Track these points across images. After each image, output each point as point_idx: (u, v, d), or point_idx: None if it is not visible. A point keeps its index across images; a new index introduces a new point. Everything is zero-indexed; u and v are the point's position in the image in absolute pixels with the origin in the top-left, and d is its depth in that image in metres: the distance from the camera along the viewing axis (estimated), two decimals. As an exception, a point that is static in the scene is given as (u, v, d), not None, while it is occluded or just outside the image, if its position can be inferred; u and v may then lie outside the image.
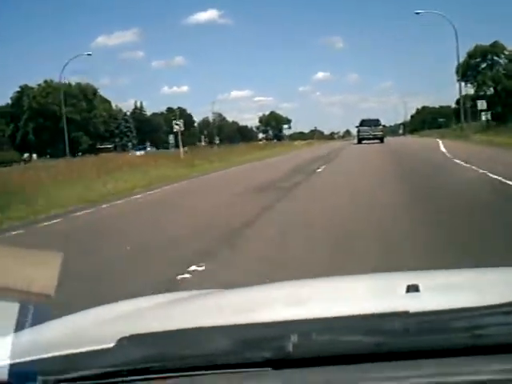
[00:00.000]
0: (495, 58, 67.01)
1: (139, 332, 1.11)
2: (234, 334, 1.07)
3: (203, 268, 5.60)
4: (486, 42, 67.06)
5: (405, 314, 1.07)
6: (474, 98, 59.83)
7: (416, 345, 1.00)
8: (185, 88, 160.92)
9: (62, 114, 59.07)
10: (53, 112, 74.92)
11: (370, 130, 43.23)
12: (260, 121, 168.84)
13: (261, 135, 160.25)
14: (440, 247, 5.91)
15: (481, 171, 13.51)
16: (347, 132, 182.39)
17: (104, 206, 12.86)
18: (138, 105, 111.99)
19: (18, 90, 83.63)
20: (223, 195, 13.07)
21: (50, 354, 1.10)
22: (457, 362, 0.98)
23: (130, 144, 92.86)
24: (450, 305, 1.15)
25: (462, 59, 58.42)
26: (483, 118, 52.17)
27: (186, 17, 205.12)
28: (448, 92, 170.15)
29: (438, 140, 38.39)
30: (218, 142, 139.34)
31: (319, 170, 18.70)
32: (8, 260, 1.50)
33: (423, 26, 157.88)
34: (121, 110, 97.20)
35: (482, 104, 49.59)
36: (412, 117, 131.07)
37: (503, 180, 11.36)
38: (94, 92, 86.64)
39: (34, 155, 72.13)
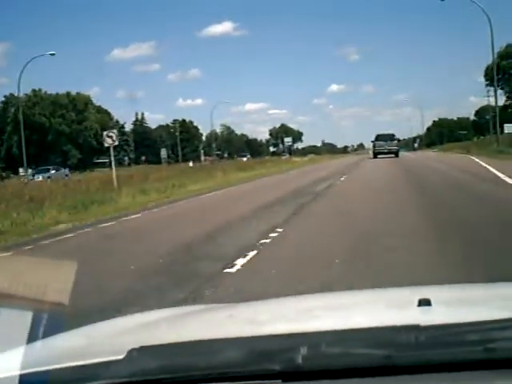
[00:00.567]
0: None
1: (150, 344, 1.10)
2: (245, 346, 1.05)
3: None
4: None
5: (416, 328, 1.04)
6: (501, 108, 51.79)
7: (427, 358, 0.97)
8: (199, 101, 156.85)
9: (50, 125, 52.09)
10: (40, 124, 68.51)
11: (386, 145, 42.71)
12: (270, 134, 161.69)
13: (272, 148, 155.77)
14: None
15: None
16: (361, 145, 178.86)
17: None
18: (140, 116, 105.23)
19: (3, 99, 77.32)
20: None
21: (60, 365, 1.09)
22: (468, 376, 0.96)
23: (126, 158, 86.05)
24: (461, 318, 1.13)
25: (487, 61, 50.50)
26: (506, 130, 44.28)
27: (201, 29, 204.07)
28: (464, 104, 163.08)
29: (473, 158, 30.65)
30: (222, 155, 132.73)
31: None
32: (23, 269, 1.42)
33: (440, 36, 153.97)
34: (117, 122, 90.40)
35: None
36: (428, 129, 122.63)
37: None
38: (86, 102, 79.85)
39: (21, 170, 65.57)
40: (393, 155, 41.34)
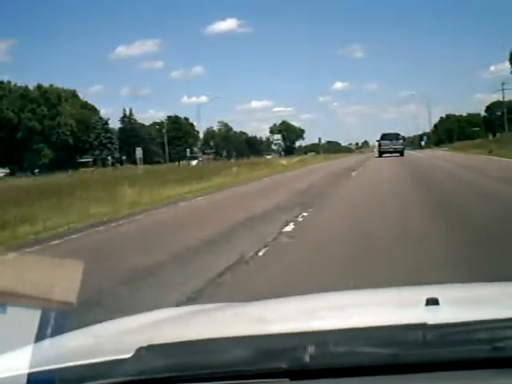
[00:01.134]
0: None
1: (157, 342, 1.10)
2: (252, 345, 1.05)
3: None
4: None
5: (423, 326, 1.03)
6: None
7: (434, 357, 0.97)
8: (204, 98, 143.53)
9: (19, 121, 44.48)
10: (8, 120, 61.03)
11: (391, 144, 42.51)
12: (271, 131, 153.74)
13: (274, 147, 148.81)
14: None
15: None
16: (365, 143, 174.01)
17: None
18: (128, 112, 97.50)
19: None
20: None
21: (68, 364, 1.09)
22: (476, 375, 0.96)
23: (109, 158, 78.45)
24: (469, 317, 1.12)
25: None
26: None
27: (206, 26, 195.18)
28: (470, 101, 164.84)
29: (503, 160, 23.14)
30: (220, 154, 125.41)
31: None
32: (31, 268, 1.54)
33: (445, 32, 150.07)
34: (101, 119, 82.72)
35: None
36: (435, 126, 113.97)
37: None
38: (59, 96, 71.90)
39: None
40: (398, 154, 40.80)
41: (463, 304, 1.52)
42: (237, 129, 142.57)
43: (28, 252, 7.41)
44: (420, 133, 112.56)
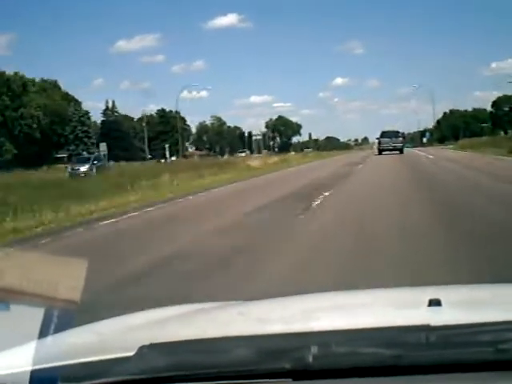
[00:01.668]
0: None
1: (160, 341, 1.10)
2: (255, 345, 1.04)
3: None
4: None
5: (426, 327, 1.02)
6: None
7: (437, 358, 0.96)
8: (204, 93, 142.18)
9: None
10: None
11: (391, 142, 41.72)
12: (267, 126, 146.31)
13: (271, 143, 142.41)
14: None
15: None
16: (365, 139, 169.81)
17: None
18: (110, 105, 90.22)
19: None
20: None
21: (71, 361, 1.08)
22: (480, 377, 0.94)
23: (85, 153, 71.19)
24: (472, 319, 1.12)
25: None
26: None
27: (206, 21, 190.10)
28: (470, 97, 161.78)
29: None
30: (214, 150, 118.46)
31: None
32: (35, 266, 1.53)
33: (445, 29, 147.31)
34: (77, 111, 75.44)
35: None
36: (438, 122, 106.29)
37: None
38: (25, 85, 64.37)
39: None
40: (397, 152, 39.87)
41: (466, 305, 1.49)
42: (236, 124, 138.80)
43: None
44: (422, 129, 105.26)
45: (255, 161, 28.08)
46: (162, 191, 15.28)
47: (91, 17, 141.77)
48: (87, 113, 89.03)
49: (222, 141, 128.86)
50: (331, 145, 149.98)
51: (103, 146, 45.46)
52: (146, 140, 75.07)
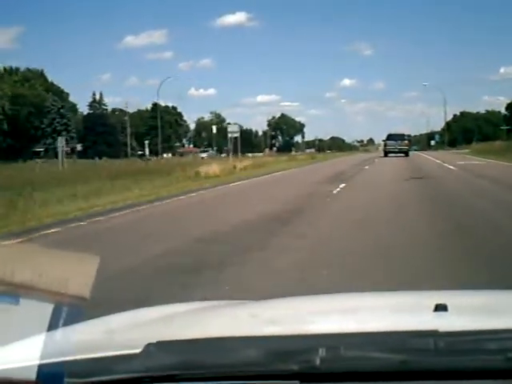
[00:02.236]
0: None
1: (167, 339, 1.08)
2: (262, 346, 1.02)
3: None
4: None
5: (434, 333, 1.00)
6: None
7: (445, 365, 0.94)
8: (211, 90, 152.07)
9: None
10: None
11: (396, 144, 41.78)
12: (269, 124, 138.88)
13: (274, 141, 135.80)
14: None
15: None
16: (370, 140, 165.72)
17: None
18: (98, 97, 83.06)
19: None
20: None
21: (78, 357, 1.07)
22: None
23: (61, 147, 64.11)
24: (480, 325, 1.11)
25: None
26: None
27: (215, 19, 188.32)
28: (478, 102, 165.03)
29: None
30: (211, 148, 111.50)
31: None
32: (44, 261, 1.51)
33: (453, 32, 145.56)
34: (56, 102, 68.38)
35: None
36: (447, 124, 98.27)
37: None
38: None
39: None
40: (403, 154, 39.95)
41: (472, 311, 1.46)
42: (243, 122, 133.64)
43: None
44: (429, 131, 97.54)
45: (215, 166, 20.66)
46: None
47: (98, 12, 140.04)
48: (74, 105, 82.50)
49: (221, 138, 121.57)
50: (336, 145, 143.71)
51: (61, 141, 38.36)
52: (129, 135, 67.79)
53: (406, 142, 42.63)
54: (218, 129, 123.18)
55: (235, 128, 34.46)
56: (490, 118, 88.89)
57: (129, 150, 64.80)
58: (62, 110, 67.46)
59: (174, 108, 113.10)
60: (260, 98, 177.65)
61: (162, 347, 1.01)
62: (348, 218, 8.61)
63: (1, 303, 1.27)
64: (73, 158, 60.51)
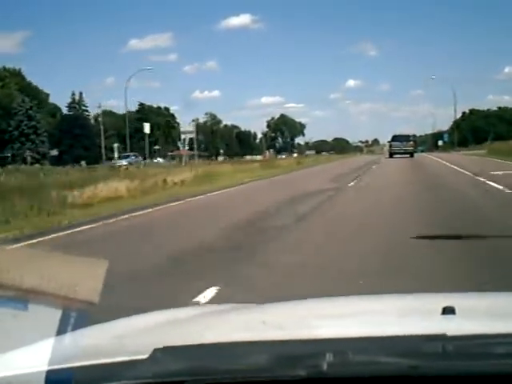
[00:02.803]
0: None
1: (174, 344, 1.07)
2: (269, 351, 1.00)
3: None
4: None
5: (442, 337, 0.99)
6: None
7: (454, 369, 0.92)
8: (216, 93, 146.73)
9: None
10: None
11: (402, 145, 41.21)
12: (268, 126, 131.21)
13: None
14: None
15: None
16: (375, 141, 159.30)
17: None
18: (77, 97, 75.58)
19: None
20: None
21: (85, 363, 1.05)
22: None
23: (28, 152, 56.71)
24: (488, 329, 1.10)
25: None
26: None
27: (219, 21, 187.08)
28: (484, 102, 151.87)
29: None
30: (205, 151, 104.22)
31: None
32: (54, 266, 1.47)
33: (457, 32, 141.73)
34: (24, 103, 61.04)
35: None
36: (455, 123, 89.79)
37: None
38: None
39: None
40: (408, 155, 39.11)
41: (480, 314, 1.43)
42: (247, 125, 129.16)
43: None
44: (435, 131, 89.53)
45: (124, 183, 13.20)
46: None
47: (103, 15, 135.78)
48: (56, 107, 75.33)
49: (217, 141, 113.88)
50: (339, 146, 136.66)
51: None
52: (103, 138, 60.28)
53: (411, 142, 42.09)
54: (213, 131, 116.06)
55: (190, 128, 26.80)
56: (503, 115, 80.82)
57: (103, 154, 57.23)
58: (30, 112, 60.03)
59: (167, 109, 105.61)
60: (265, 100, 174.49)
61: (169, 353, 1.00)
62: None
63: (9, 308, 1.27)
64: (44, 164, 53.44)
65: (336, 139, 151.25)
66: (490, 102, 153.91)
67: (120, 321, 1.58)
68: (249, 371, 0.95)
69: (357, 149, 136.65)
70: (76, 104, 74.56)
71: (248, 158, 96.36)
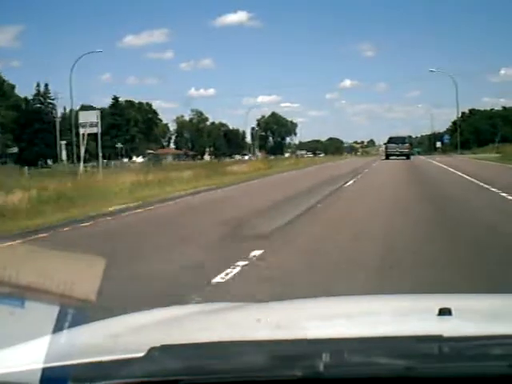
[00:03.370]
0: None
1: (170, 342, 1.05)
2: (266, 351, 0.99)
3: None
4: None
5: (438, 338, 0.98)
6: None
7: (450, 370, 0.91)
8: (212, 91, 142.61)
9: None
10: None
11: (398, 147, 40.56)
12: (258, 124, 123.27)
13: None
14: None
15: None
16: (371, 141, 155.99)
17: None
18: (42, 89, 67.63)
19: None
20: None
21: (81, 360, 1.04)
22: None
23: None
24: (484, 330, 1.10)
25: None
26: None
27: (215, 18, 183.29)
28: (478, 103, 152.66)
29: None
30: (191, 151, 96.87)
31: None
32: (52, 263, 1.46)
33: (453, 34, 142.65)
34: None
35: None
36: (454, 124, 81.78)
37: None
38: None
39: None
40: (404, 157, 38.27)
41: (476, 315, 1.42)
42: (240, 124, 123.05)
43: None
44: (437, 132, 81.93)
45: None
46: None
47: (98, 11, 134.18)
48: (22, 100, 67.49)
49: (203, 140, 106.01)
50: (333, 146, 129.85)
51: None
52: (58, 136, 52.30)
53: (407, 145, 41.70)
54: (199, 129, 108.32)
55: (92, 117, 18.67)
56: (508, 116, 73.18)
57: (58, 153, 49.23)
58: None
59: (149, 104, 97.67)
60: (261, 99, 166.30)
61: (165, 351, 0.98)
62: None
63: (6, 305, 1.25)
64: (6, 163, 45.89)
65: (330, 139, 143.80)
66: (486, 104, 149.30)
67: (116, 319, 1.55)
68: (245, 371, 0.92)
69: (352, 149, 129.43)
70: (41, 96, 66.54)
71: (238, 157, 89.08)
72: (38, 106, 65.42)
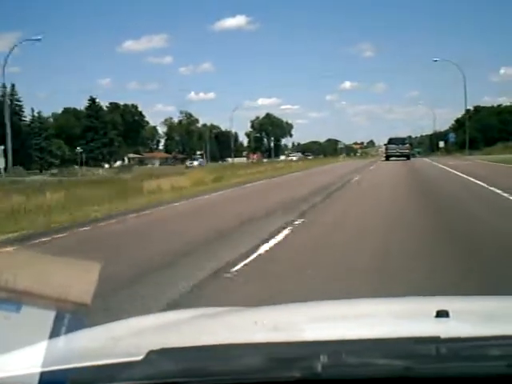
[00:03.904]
0: None
1: (169, 346, 1.05)
2: (264, 353, 0.98)
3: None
4: None
5: (436, 339, 0.97)
6: None
7: (448, 371, 0.91)
8: (211, 94, 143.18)
9: None
10: None
11: (397, 148, 40.77)
12: (252, 126, 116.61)
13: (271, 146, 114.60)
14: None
15: None
16: (371, 142, 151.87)
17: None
18: (9, 90, 60.90)
19: None
20: None
21: (80, 364, 1.03)
22: None
23: None
24: (481, 332, 1.11)
25: None
26: None
27: (214, 23, 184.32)
28: (478, 103, 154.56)
29: None
30: (180, 154, 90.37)
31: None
32: (47, 268, 1.44)
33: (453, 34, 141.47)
34: None
35: None
36: (457, 122, 74.32)
37: None
38: None
39: None
40: (404, 158, 38.13)
41: (474, 317, 1.43)
42: (243, 127, 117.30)
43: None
44: (440, 131, 75.12)
45: None
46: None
47: (98, 16, 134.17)
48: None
49: (193, 142, 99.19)
50: (331, 148, 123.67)
51: None
52: (10, 141, 45.39)
53: (407, 145, 42.00)
54: (189, 131, 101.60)
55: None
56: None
57: (9, 158, 42.46)
58: None
59: (134, 106, 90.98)
60: (261, 102, 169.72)
61: (164, 354, 0.98)
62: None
63: (2, 310, 1.24)
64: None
65: (328, 140, 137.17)
66: (486, 103, 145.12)
67: (115, 323, 1.55)
68: (243, 373, 0.93)
69: (349, 150, 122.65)
70: (7, 97, 59.69)
71: (230, 160, 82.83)
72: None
